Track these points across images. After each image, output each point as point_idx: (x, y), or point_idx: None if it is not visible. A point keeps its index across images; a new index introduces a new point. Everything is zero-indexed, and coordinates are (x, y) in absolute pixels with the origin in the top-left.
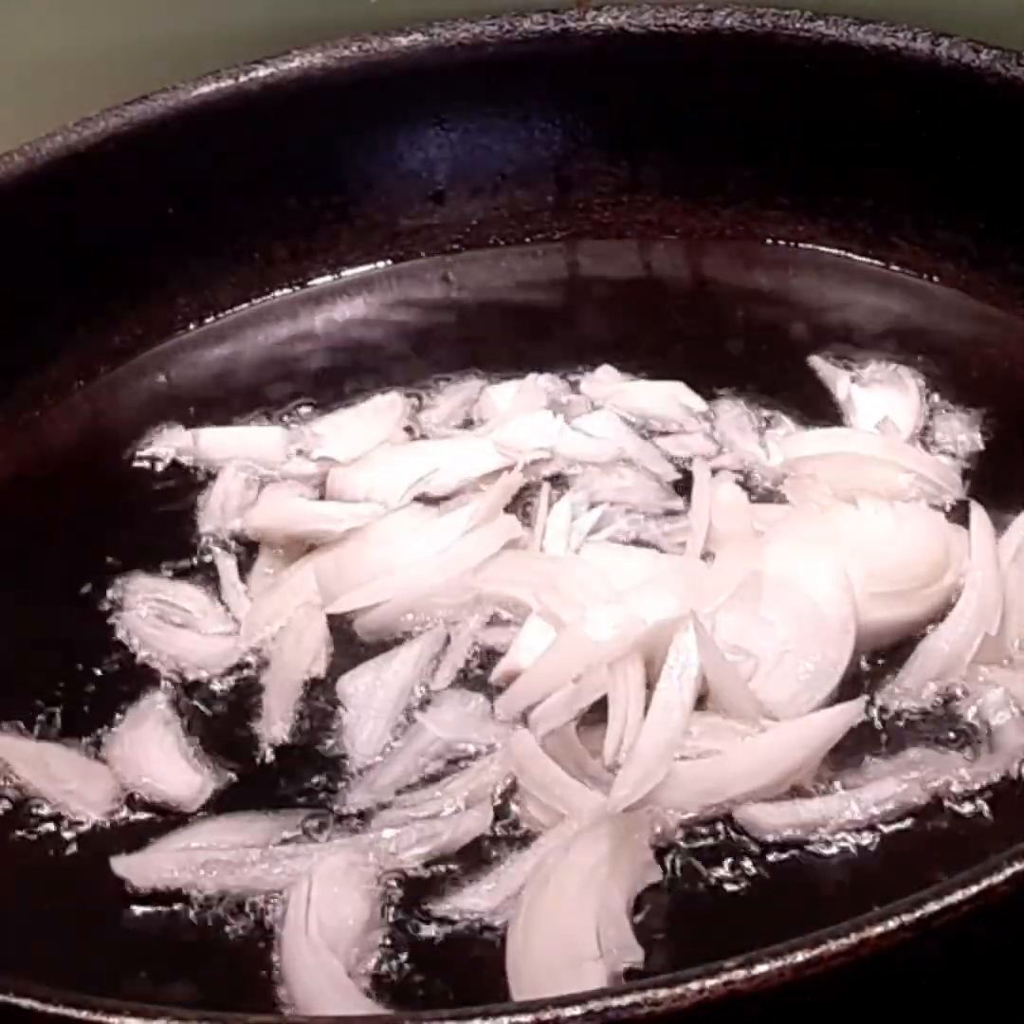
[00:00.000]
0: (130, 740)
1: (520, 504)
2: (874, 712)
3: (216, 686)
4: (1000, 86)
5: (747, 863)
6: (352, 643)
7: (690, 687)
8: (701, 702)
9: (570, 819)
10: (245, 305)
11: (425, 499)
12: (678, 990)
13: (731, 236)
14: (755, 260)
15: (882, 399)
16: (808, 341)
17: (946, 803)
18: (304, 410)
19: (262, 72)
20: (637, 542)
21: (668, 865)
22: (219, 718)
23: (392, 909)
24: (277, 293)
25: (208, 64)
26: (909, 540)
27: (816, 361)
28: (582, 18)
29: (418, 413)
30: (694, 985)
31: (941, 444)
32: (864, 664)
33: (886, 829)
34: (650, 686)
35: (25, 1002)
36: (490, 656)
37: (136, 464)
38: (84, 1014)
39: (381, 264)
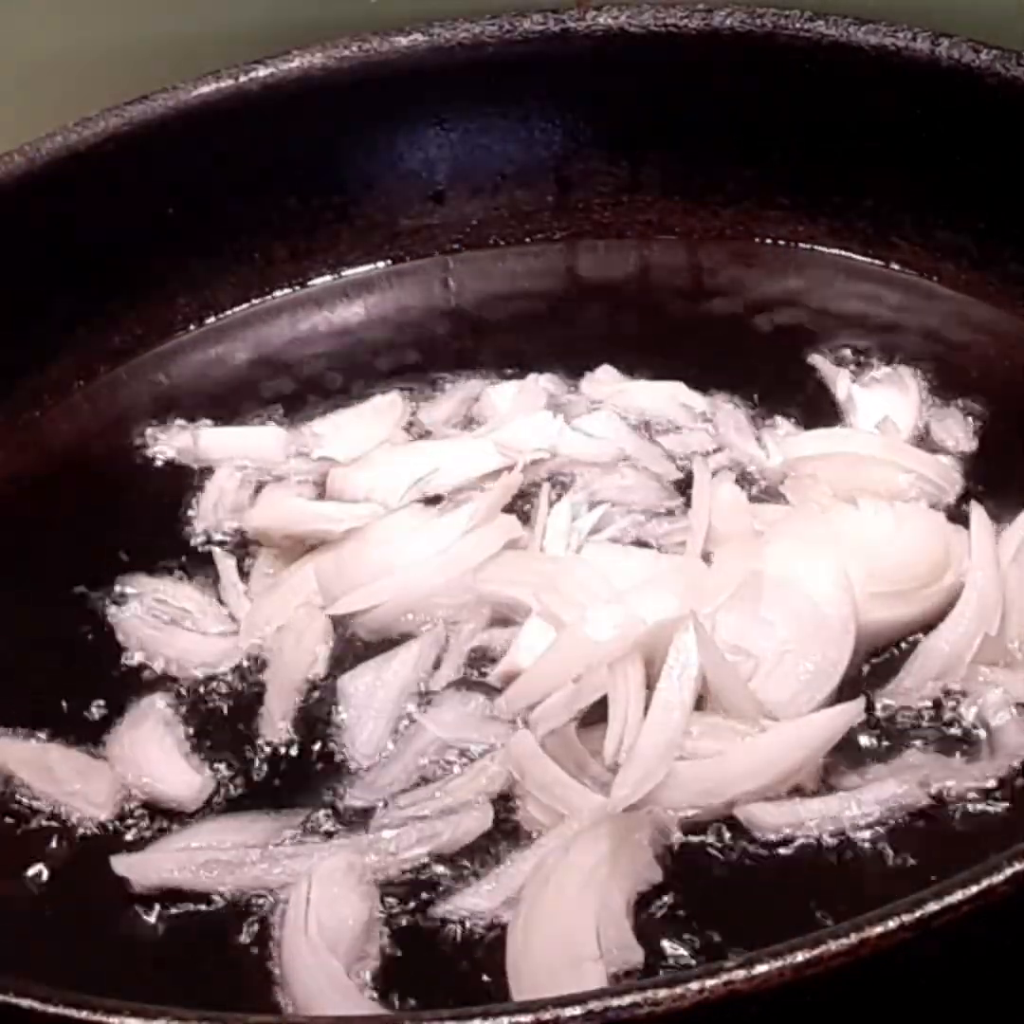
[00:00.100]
0: (130, 740)
1: (520, 504)
2: (874, 712)
3: (216, 686)
4: (1000, 86)
5: (747, 863)
6: (352, 643)
7: (690, 687)
8: (701, 702)
9: (570, 819)
10: (245, 305)
11: (425, 499)
12: (678, 990)
13: (731, 236)
14: (755, 260)
15: (882, 399)
16: (808, 341)
17: (946, 803)
18: (304, 410)
19: (262, 72)
20: (637, 542)
21: (668, 865)
22: (219, 718)
23: (392, 909)
24: (277, 293)
25: (208, 64)
26: (909, 540)
27: (816, 361)
28: (582, 18)
29: (418, 413)
30: (694, 985)
31: (941, 444)
32: (864, 664)
33: (886, 829)
34: (650, 686)
35: (25, 1002)
36: (490, 656)
37: (136, 464)
38: (84, 1014)
39: (381, 264)
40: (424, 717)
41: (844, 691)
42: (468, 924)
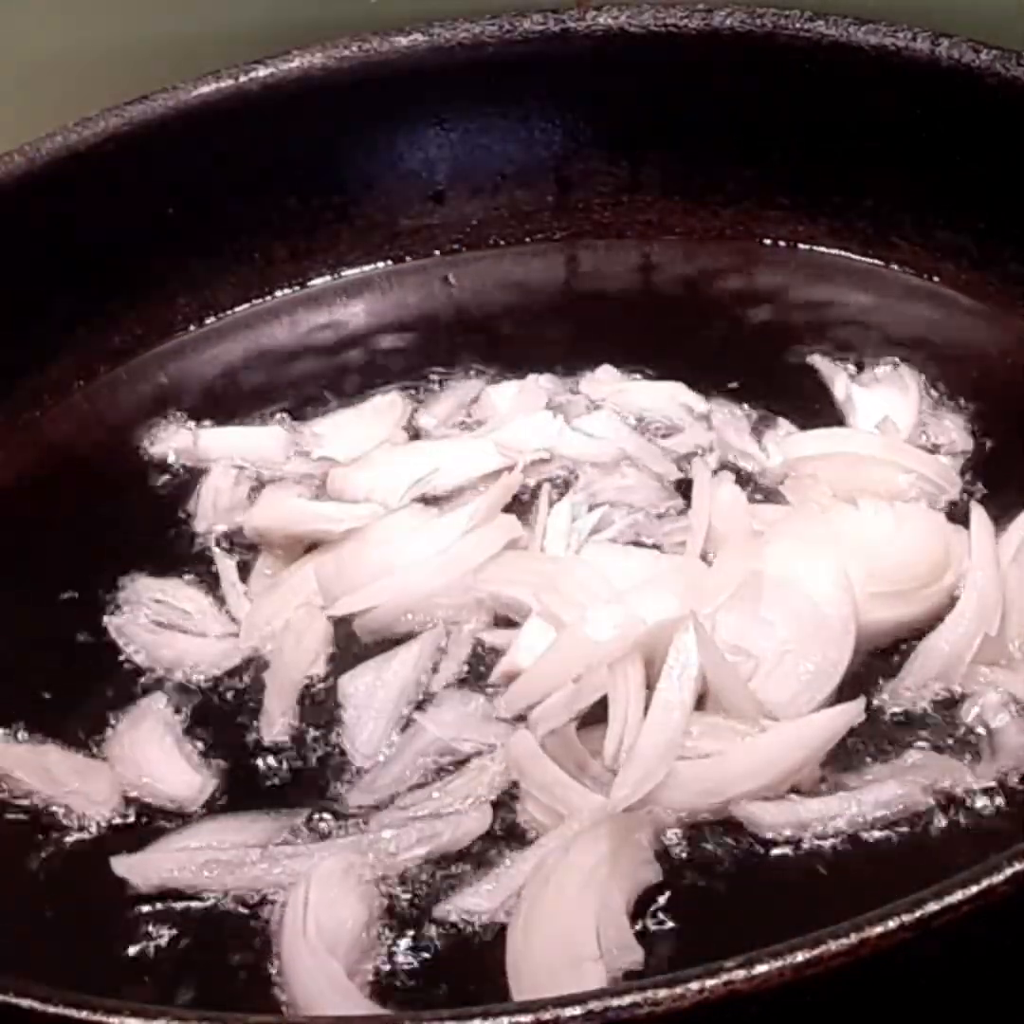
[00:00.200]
0: (130, 740)
1: (520, 504)
2: (874, 712)
3: (216, 686)
4: (1000, 86)
5: (747, 863)
6: (352, 643)
7: (690, 687)
8: (701, 702)
9: (570, 819)
10: (245, 305)
11: (425, 499)
12: (678, 990)
13: (731, 236)
14: (755, 260)
15: (882, 399)
16: (808, 341)
17: (946, 803)
18: (304, 410)
19: (262, 72)
20: (637, 542)
21: (668, 865)
22: (219, 718)
23: (392, 909)
24: (277, 293)
25: (208, 64)
26: (909, 540)
27: (816, 361)
28: (582, 18)
29: (418, 413)
30: (694, 985)
31: (941, 444)
32: (864, 664)
33: (886, 829)
34: (650, 686)
35: (25, 1002)
36: (490, 656)
37: (136, 464)
38: (84, 1014)
39: (381, 264)
40: (424, 717)
41: (844, 691)
42: (468, 924)
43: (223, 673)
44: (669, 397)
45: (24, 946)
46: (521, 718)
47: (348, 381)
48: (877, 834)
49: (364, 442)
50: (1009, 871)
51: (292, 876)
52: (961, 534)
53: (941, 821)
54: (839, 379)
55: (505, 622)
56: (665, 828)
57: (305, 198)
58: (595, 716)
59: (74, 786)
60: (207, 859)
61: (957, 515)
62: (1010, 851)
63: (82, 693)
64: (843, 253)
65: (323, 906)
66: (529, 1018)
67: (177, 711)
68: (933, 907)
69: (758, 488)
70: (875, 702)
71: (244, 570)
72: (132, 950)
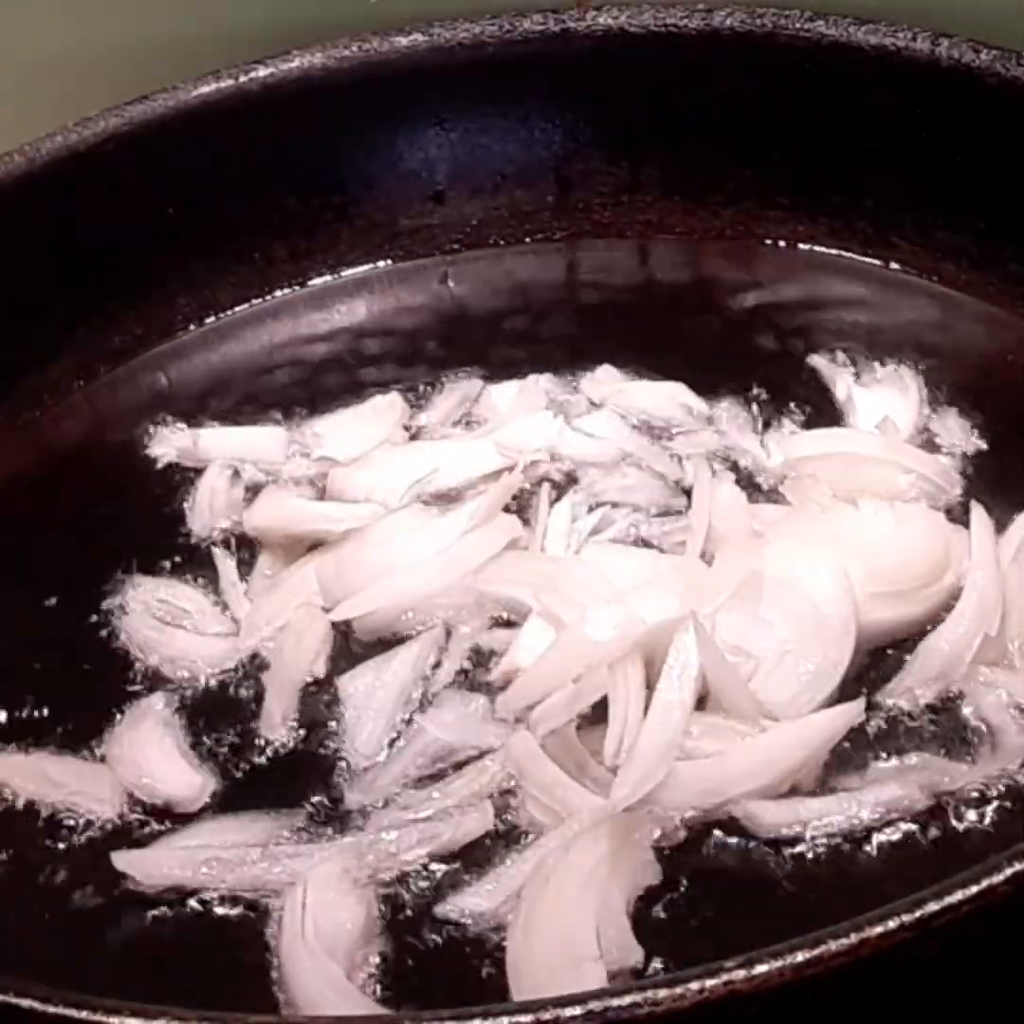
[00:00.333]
0: (129, 740)
1: (520, 504)
2: (874, 712)
3: (216, 686)
4: (1000, 86)
5: (747, 863)
6: (352, 643)
7: (690, 687)
8: (701, 702)
9: (570, 819)
10: (245, 305)
11: (425, 499)
12: (678, 990)
13: (731, 236)
14: (755, 260)
15: (882, 399)
16: (808, 341)
17: (946, 804)
18: (304, 410)
19: (262, 72)
20: (638, 542)
21: (668, 865)
22: (219, 718)
23: (392, 909)
24: (277, 293)
25: (208, 64)
26: (909, 540)
27: (816, 361)
28: (582, 18)
29: (418, 413)
30: (694, 985)
31: (941, 444)
32: (864, 664)
33: (886, 830)
34: (650, 686)
35: (25, 1002)
36: (490, 656)
37: (136, 464)
38: (84, 1014)
39: (381, 264)
40: (424, 717)
41: (844, 691)
42: (468, 924)
43: (223, 673)
44: (669, 397)
45: (24, 946)
46: (521, 718)
47: (348, 381)
48: (877, 834)
49: (364, 442)
50: (1009, 871)
51: (292, 876)
52: (961, 534)
53: (941, 821)
54: (839, 379)
55: (505, 622)
56: (665, 828)
57: (305, 198)
58: (595, 716)
59: (76, 788)
60: (207, 858)
61: (957, 515)
62: (1010, 851)
63: (82, 693)
64: (843, 253)
65: (320, 908)
66: (529, 1018)
67: (177, 711)
68: (933, 907)
69: (758, 488)
70: (875, 702)
71: (244, 570)
72: (132, 950)
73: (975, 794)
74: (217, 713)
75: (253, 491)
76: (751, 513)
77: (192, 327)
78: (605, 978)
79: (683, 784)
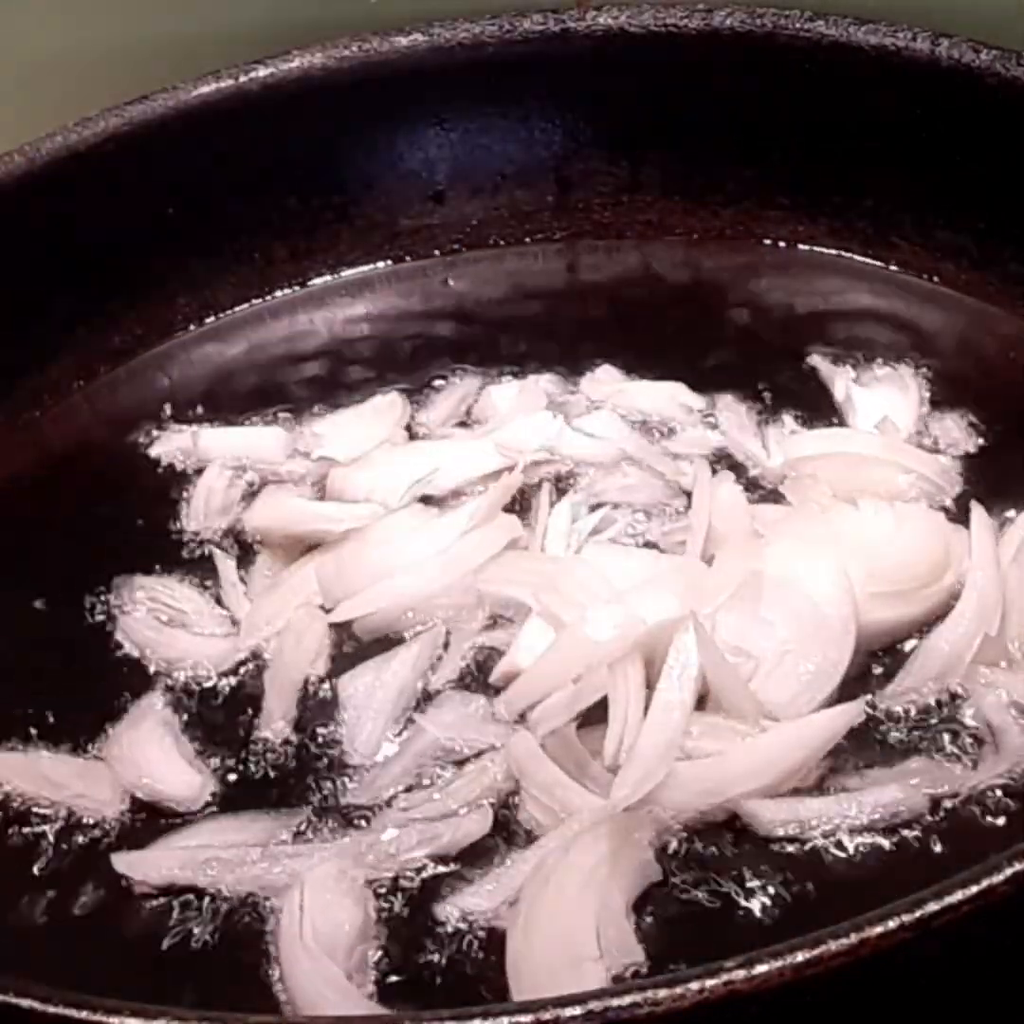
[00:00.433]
0: (129, 740)
1: (520, 504)
2: (875, 713)
3: (216, 686)
4: (1000, 86)
5: (747, 863)
6: (352, 643)
7: (690, 687)
8: (701, 702)
9: (570, 819)
10: (245, 305)
11: (425, 499)
12: (678, 990)
13: (731, 236)
14: (755, 260)
15: (882, 399)
16: (808, 341)
17: (946, 804)
18: (304, 410)
19: (262, 72)
20: (638, 542)
21: (668, 865)
22: (219, 718)
23: (392, 910)
24: (277, 293)
25: (208, 64)
26: (909, 540)
27: (816, 361)
28: (582, 18)
29: (418, 413)
30: (694, 985)
31: (941, 444)
32: (864, 664)
33: (886, 830)
34: (650, 686)
35: (25, 1002)
36: (490, 656)
37: (136, 464)
38: (84, 1014)
39: (381, 264)
40: (424, 718)
41: (844, 691)
42: (468, 924)
43: (223, 673)
44: (669, 397)
45: (24, 946)
46: (521, 718)
47: (348, 381)
48: (877, 834)
49: (364, 442)
50: (1009, 871)
51: (292, 876)
52: (961, 534)
53: (941, 821)
54: (839, 379)
55: (505, 622)
56: (665, 828)
57: (305, 198)
58: (595, 716)
59: (76, 788)
60: (207, 858)
61: (957, 515)
62: (1010, 851)
63: (82, 693)
64: (843, 253)
65: (317, 910)
66: (529, 1018)
67: (177, 711)
68: (933, 907)
69: (758, 488)
70: (875, 702)
71: (244, 570)
72: (132, 950)
73: (975, 794)
74: (217, 713)
75: (250, 491)
76: (751, 513)
77: (192, 327)
78: (605, 978)
79: (683, 784)
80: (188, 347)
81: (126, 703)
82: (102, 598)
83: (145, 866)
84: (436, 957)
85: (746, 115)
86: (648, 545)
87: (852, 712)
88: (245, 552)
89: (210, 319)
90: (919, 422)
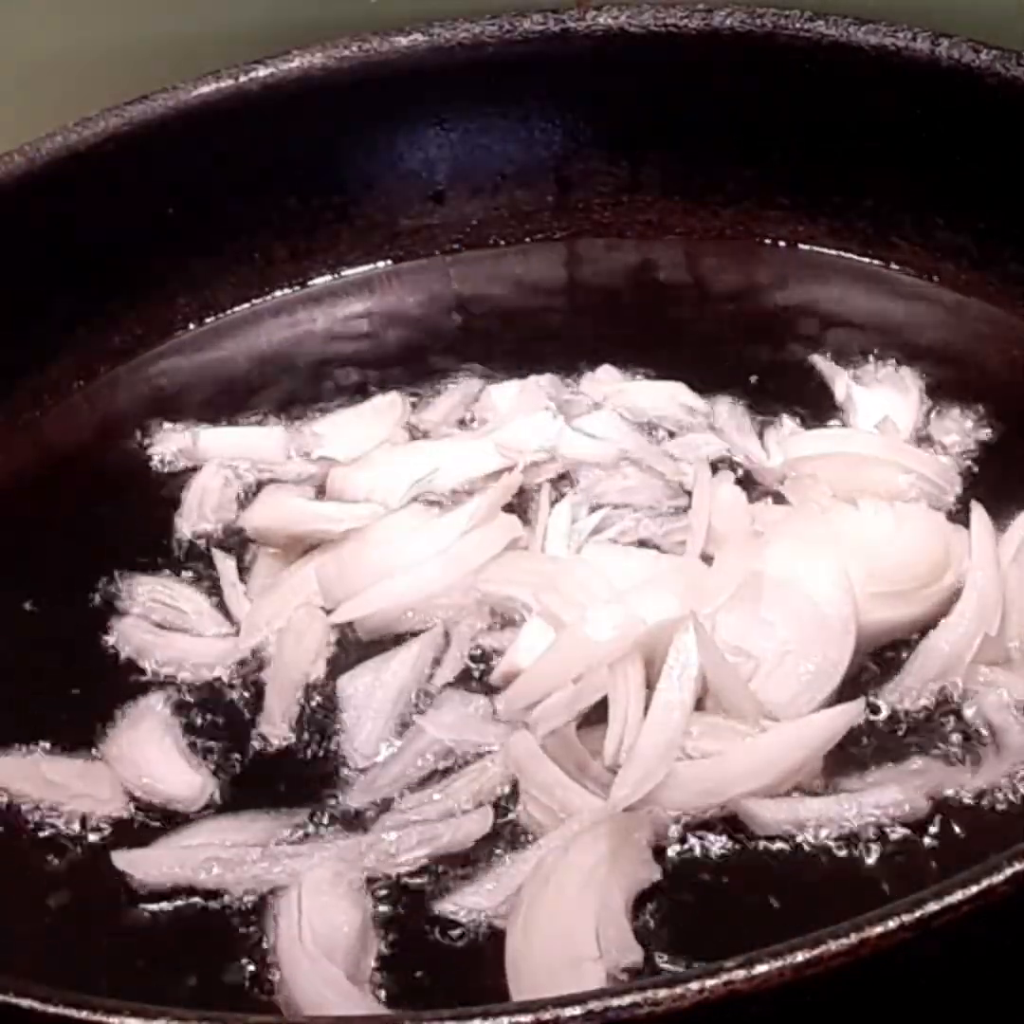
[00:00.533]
0: (128, 741)
1: (520, 504)
2: (874, 712)
3: (215, 686)
4: (1000, 86)
5: (747, 863)
6: (352, 643)
7: (690, 687)
8: (701, 702)
9: (570, 819)
10: (245, 305)
11: (425, 499)
12: (678, 990)
13: (731, 236)
14: (755, 260)
15: (882, 399)
16: (808, 341)
17: (946, 804)
18: (304, 410)
19: (262, 72)
20: (638, 542)
21: (668, 865)
22: (219, 718)
23: (392, 910)
24: (277, 293)
25: (208, 64)
26: (909, 540)
27: (816, 361)
28: (582, 18)
29: (418, 413)
30: (694, 985)
31: (941, 444)
32: (864, 664)
33: (886, 830)
34: (650, 686)
35: (25, 1002)
36: (490, 656)
37: (136, 464)
38: (84, 1014)
39: (381, 264)
40: (424, 718)
41: (844, 691)
42: (468, 924)
43: (223, 673)
44: (669, 397)
45: (24, 946)
46: (521, 718)
47: (348, 381)
48: (877, 834)
49: (364, 442)
50: (1009, 871)
51: (292, 875)
52: (961, 534)
53: (941, 822)
54: (839, 379)
55: (505, 622)
56: (665, 828)
57: (305, 198)
58: (595, 716)
59: (77, 789)
60: (207, 858)
61: (957, 515)
62: (1010, 851)
63: (82, 693)
64: (843, 253)
65: (316, 912)
66: (529, 1018)
67: (177, 711)
68: (933, 907)
69: (758, 488)
70: (875, 702)
71: (243, 570)
72: (132, 950)
73: (975, 794)
74: (217, 713)
75: (247, 491)
76: (751, 513)
77: (192, 327)
78: (605, 978)
79: (683, 784)
80: (188, 347)
81: (126, 703)
82: (102, 598)
83: (145, 865)
84: (436, 957)
85: (746, 115)
86: (648, 545)
87: (852, 712)
88: (245, 552)
89: (210, 319)
90: (919, 422)
